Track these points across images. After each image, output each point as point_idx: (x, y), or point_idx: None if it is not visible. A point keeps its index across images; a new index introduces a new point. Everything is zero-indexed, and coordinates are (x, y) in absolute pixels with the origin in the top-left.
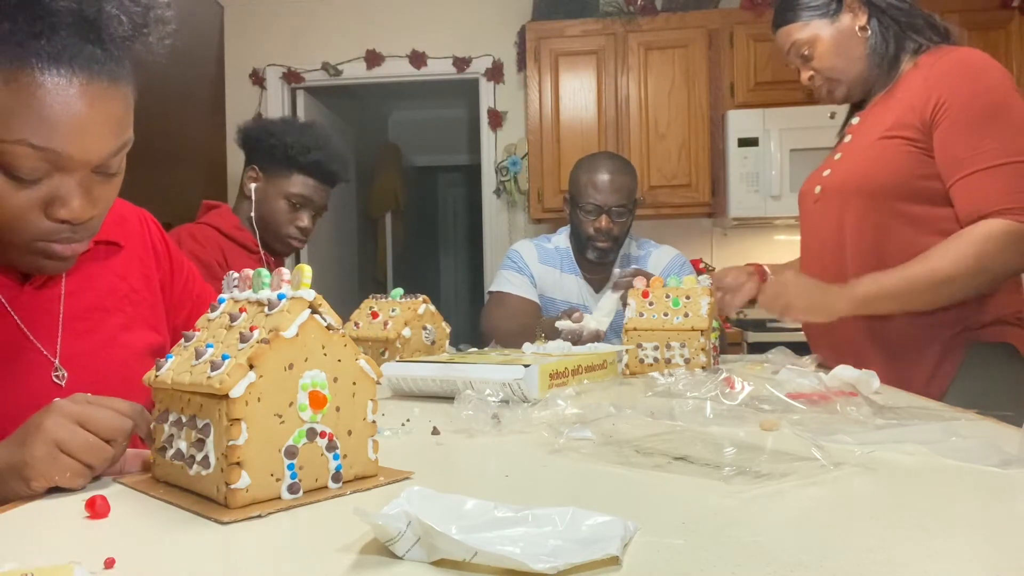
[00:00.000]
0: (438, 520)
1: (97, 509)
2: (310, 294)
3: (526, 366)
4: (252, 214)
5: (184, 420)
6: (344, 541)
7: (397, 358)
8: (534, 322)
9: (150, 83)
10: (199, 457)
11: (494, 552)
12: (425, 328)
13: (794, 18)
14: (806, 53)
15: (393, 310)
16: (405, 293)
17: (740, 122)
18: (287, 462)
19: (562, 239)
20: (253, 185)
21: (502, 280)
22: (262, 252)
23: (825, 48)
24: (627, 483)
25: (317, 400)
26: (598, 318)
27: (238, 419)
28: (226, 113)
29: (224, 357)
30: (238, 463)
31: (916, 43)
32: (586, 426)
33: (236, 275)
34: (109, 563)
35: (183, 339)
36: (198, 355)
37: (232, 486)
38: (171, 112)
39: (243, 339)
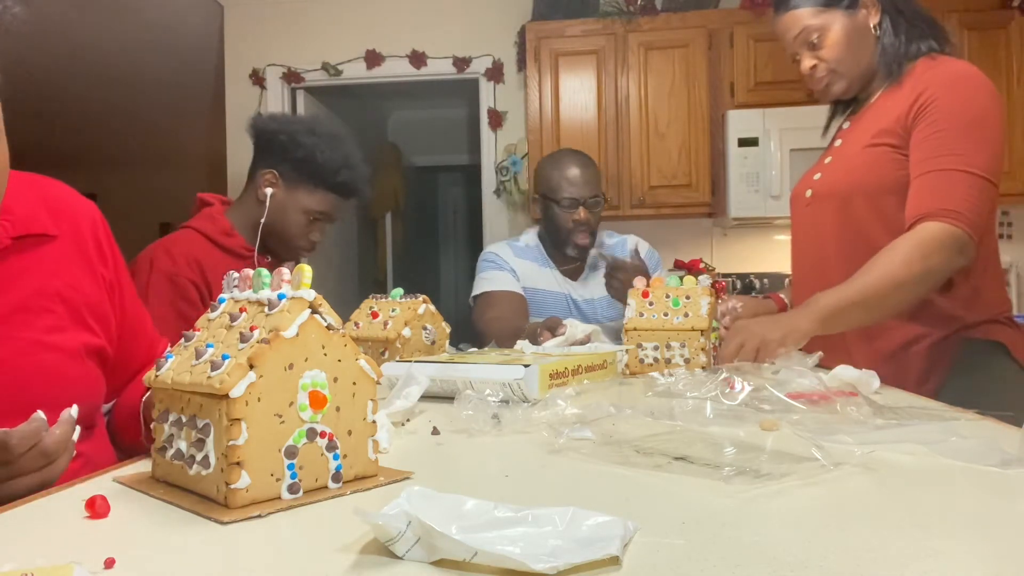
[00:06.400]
0: (438, 520)
1: (97, 509)
2: (310, 294)
3: (526, 366)
4: (263, 220)
5: (184, 420)
6: (344, 541)
7: (397, 358)
8: (526, 321)
9: (150, 83)
10: (199, 457)
11: (494, 552)
12: (425, 328)
13: (807, 3)
14: (815, 41)
15: (393, 310)
16: (405, 293)
17: (740, 122)
18: (287, 462)
19: (531, 237)
20: (270, 191)
21: (484, 282)
22: (256, 256)
23: (836, 39)
24: (627, 483)
25: (317, 400)
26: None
27: (238, 419)
28: (226, 113)
29: (224, 357)
30: (238, 463)
31: (919, 49)
32: (586, 426)
33: (236, 275)
34: (109, 563)
35: (183, 339)
36: (198, 355)
37: (232, 486)
38: (171, 112)
39: (243, 339)
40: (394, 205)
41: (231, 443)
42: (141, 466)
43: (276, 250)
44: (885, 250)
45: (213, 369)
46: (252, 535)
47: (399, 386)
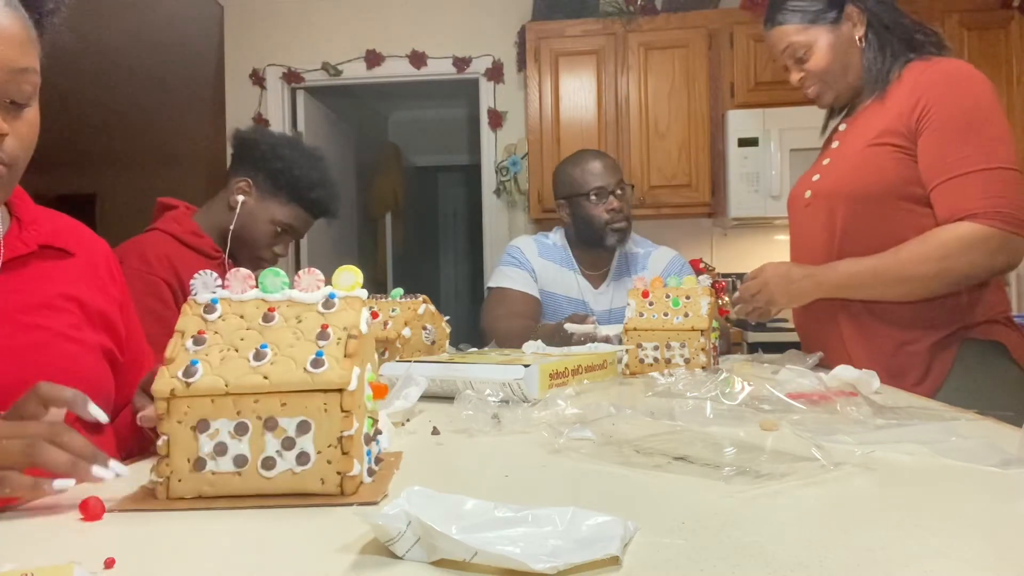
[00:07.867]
0: (438, 520)
1: (91, 511)
2: (363, 293)
3: (526, 366)
4: (231, 227)
5: (250, 424)
6: (344, 541)
7: (397, 358)
8: (534, 323)
9: (150, 83)
10: (289, 456)
11: (494, 552)
12: (425, 328)
13: (792, 20)
14: (801, 56)
15: (393, 310)
16: (405, 293)
17: (740, 122)
18: (365, 448)
19: (559, 237)
20: (241, 198)
21: (502, 276)
22: (225, 259)
23: (821, 55)
24: (627, 483)
25: (379, 390)
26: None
27: (349, 411)
28: (226, 113)
29: (319, 354)
30: (350, 453)
31: (908, 57)
32: (586, 426)
33: (212, 275)
34: (109, 563)
35: (192, 342)
36: (259, 356)
37: (349, 474)
38: (171, 112)
39: (322, 336)
40: (394, 205)
41: (345, 434)
42: (136, 479)
43: (238, 258)
44: (916, 239)
45: (315, 367)
46: (252, 535)
47: (399, 386)
